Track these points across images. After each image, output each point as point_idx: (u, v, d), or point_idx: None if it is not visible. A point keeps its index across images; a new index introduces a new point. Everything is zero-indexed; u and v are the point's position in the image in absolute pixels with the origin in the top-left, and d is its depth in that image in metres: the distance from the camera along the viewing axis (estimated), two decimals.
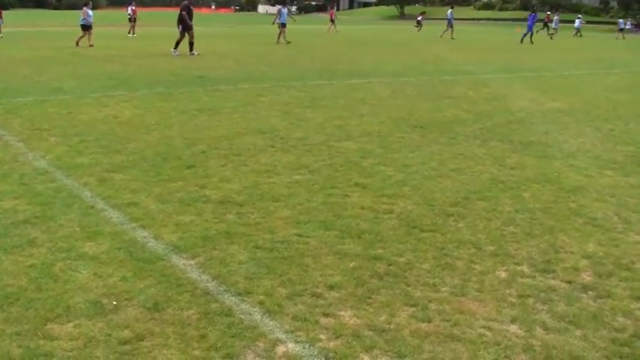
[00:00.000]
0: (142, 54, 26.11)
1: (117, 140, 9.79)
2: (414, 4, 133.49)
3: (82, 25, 29.86)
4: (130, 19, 40.47)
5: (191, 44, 26.10)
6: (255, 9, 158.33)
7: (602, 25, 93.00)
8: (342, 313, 4.59)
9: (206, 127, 10.95)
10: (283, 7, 37.96)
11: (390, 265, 5.41)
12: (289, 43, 34.84)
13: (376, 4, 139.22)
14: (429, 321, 4.52)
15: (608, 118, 13.41)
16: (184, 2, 26.54)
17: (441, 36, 46.20)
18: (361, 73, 20.48)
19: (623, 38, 56.58)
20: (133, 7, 40.82)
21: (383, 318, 4.54)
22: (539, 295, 4.99)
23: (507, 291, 5.03)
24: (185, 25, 26.01)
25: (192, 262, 5.35)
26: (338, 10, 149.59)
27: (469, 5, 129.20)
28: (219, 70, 20.29)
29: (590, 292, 5.07)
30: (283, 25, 36.60)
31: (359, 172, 8.32)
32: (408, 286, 5.04)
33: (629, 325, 4.58)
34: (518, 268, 5.48)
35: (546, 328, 4.48)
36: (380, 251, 5.69)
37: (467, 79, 19.97)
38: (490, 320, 4.56)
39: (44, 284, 4.85)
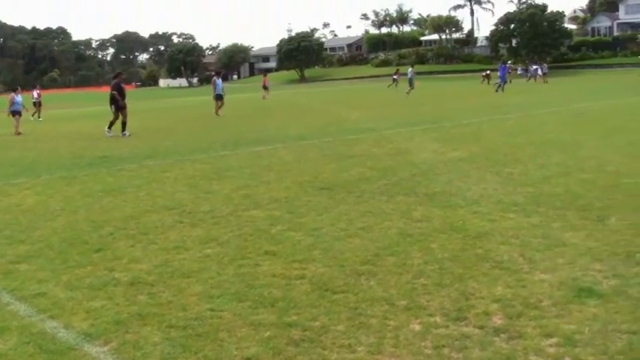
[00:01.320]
0: (44, 137, 25.84)
1: (20, 230, 9.57)
2: (313, 66, 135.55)
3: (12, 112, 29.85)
4: (34, 104, 39.94)
5: (124, 124, 25.11)
6: (156, 83, 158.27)
7: (495, 72, 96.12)
8: None
9: (112, 208, 10.82)
10: (218, 78, 35.45)
11: (305, 330, 5.42)
12: (218, 116, 33.44)
13: (276, 70, 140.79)
14: None
15: (506, 162, 13.82)
16: (114, 81, 26.11)
17: (407, 93, 46.46)
18: (265, 140, 20.62)
19: (510, 82, 58.39)
20: (38, 91, 40.57)
21: None
22: (453, 343, 5.06)
23: (422, 343, 5.09)
24: (117, 105, 25.19)
25: (105, 348, 5.24)
26: (239, 78, 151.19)
27: (367, 63, 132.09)
28: (123, 148, 20.12)
29: (502, 335, 5.18)
30: (219, 97, 34.46)
31: (268, 240, 8.34)
32: (325, 349, 5.05)
33: None
34: (432, 319, 5.56)
35: None
36: (294, 317, 5.69)
37: (369, 137, 20.31)
38: None
39: None
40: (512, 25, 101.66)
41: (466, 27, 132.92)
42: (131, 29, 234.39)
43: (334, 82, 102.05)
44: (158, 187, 12.73)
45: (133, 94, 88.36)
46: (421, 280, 6.54)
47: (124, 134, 24.65)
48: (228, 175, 13.73)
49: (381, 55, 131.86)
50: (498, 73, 50.44)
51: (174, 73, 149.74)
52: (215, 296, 6.34)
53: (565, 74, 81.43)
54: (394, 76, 62.32)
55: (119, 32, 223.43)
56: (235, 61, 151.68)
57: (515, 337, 5.12)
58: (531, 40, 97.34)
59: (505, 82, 48.11)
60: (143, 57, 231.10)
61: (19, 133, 28.31)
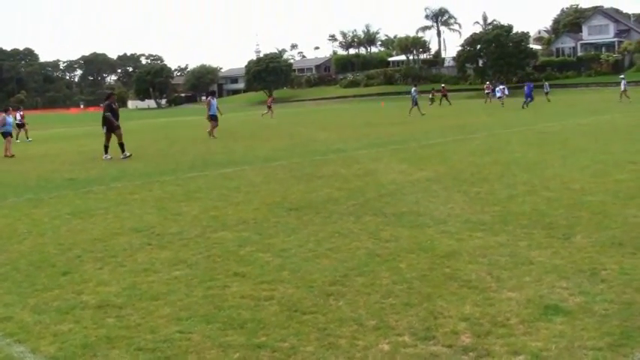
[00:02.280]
0: (11, 159, 25.51)
1: None
2: (282, 87, 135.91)
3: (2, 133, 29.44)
4: (18, 125, 39.41)
5: (121, 145, 24.20)
6: (124, 104, 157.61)
7: (462, 92, 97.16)
8: None
9: (80, 231, 10.75)
10: (212, 98, 34.47)
11: (274, 351, 5.42)
12: (213, 137, 32.36)
13: (245, 91, 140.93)
14: None
15: (474, 181, 13.94)
16: (106, 102, 25.34)
17: (409, 113, 46.53)
18: (234, 161, 20.61)
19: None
20: (22, 112, 40.38)
21: None
22: None
23: None
24: (110, 126, 24.31)
25: None
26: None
27: (335, 84, 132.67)
28: (91, 170, 20.02)
29: (470, 353, 5.21)
30: (213, 118, 33.22)
31: (237, 262, 8.32)
32: None
33: None
34: (400, 338, 5.58)
35: None
36: (263, 339, 5.69)
37: (338, 157, 20.40)
38: None
39: None
40: (478, 46, 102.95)
41: (433, 48, 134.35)
42: (99, 50, 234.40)
43: (303, 103, 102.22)
44: (126, 209, 12.67)
45: (100, 115, 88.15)
46: (390, 300, 6.57)
47: (125, 155, 23.81)
48: (196, 197, 13.70)
49: (350, 76, 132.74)
50: (525, 91, 55.00)
51: (142, 95, 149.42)
52: (184, 318, 6.32)
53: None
54: (430, 96, 62.67)
55: (87, 54, 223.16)
56: (204, 83, 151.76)
57: (483, 356, 5.16)
58: (497, 61, 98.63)
59: (531, 99, 51.11)
60: (111, 78, 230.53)
61: (12, 155, 27.56)
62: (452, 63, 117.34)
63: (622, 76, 59.55)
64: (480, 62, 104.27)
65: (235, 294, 7.01)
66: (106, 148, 24.26)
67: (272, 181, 15.57)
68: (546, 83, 62.56)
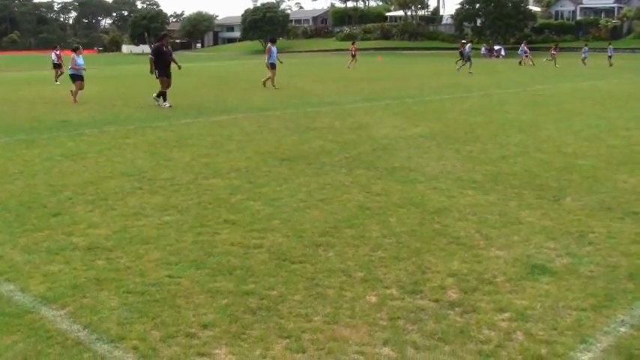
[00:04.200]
0: (4, 100, 25.34)
1: None
2: (278, 38, 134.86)
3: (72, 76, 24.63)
4: (56, 65, 36.42)
5: (162, 94, 21.83)
6: (119, 49, 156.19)
7: (458, 51, 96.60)
8: (217, 351, 4.61)
9: (71, 173, 10.74)
10: (272, 45, 30.87)
11: (262, 299, 5.46)
12: (274, 87, 29.79)
13: (241, 40, 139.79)
14: (304, 351, 4.60)
15: (466, 140, 13.95)
16: (155, 44, 23.09)
17: (470, 72, 43.73)
18: (227, 110, 20.54)
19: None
20: (58, 52, 36.79)
21: (258, 352, 4.58)
22: (408, 315, 5.15)
23: (378, 315, 5.17)
24: (159, 72, 21.71)
25: (62, 312, 5.24)
26: (202, 46, 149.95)
27: (332, 37, 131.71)
28: (84, 113, 19.91)
29: (456, 309, 5.28)
30: (272, 66, 30.12)
31: (228, 209, 8.35)
32: (281, 318, 5.11)
33: (494, 336, 4.80)
34: (388, 291, 5.64)
35: (417, 348, 4.64)
36: (252, 286, 5.74)
37: (332, 110, 20.35)
38: (363, 345, 4.68)
39: None
40: (477, 5, 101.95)
41: (432, 4, 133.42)
42: None
43: (299, 55, 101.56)
44: (118, 153, 12.65)
45: (95, 59, 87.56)
46: (379, 253, 6.62)
47: (161, 104, 21.58)
48: (189, 144, 13.68)
49: (346, 29, 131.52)
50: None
51: (137, 40, 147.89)
52: (173, 263, 6.36)
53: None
54: (552, 52, 60.02)
55: None
56: (199, 30, 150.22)
57: (469, 311, 5.22)
58: (495, 21, 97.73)
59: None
60: (106, 22, 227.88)
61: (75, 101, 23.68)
62: (449, 21, 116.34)
63: (610, 45, 59.42)
64: (479, 22, 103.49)
65: (225, 241, 7.05)
66: (163, 94, 21.79)
67: (265, 131, 15.54)
68: (585, 48, 60.30)
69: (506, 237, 7.18)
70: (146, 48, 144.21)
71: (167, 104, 21.42)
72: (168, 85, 21.89)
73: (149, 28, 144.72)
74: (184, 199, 8.89)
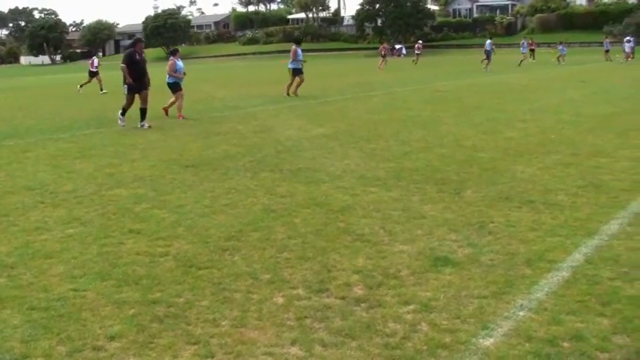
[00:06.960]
0: None
1: None
2: (181, 44, 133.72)
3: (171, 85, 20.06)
4: (93, 73, 35.14)
5: (142, 111, 18.09)
6: (17, 61, 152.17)
7: (360, 51, 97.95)
8: None
9: None
10: (298, 46, 27.48)
11: (169, 307, 5.42)
12: (296, 96, 26.13)
13: (144, 47, 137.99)
14: (212, 356, 4.59)
15: (370, 138, 14.13)
16: (127, 51, 18.75)
17: (484, 69, 44.32)
18: (130, 118, 20.15)
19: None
20: (98, 60, 35.43)
21: None
22: (315, 314, 5.20)
23: (285, 315, 5.20)
24: (128, 85, 17.98)
25: None
26: (104, 55, 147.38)
27: (235, 41, 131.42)
28: None
29: (362, 304, 5.35)
30: (297, 72, 26.65)
31: (132, 219, 8.25)
32: (189, 325, 5.08)
33: (399, 329, 4.89)
34: (294, 291, 5.67)
35: (324, 345, 4.68)
36: (158, 294, 5.69)
37: (235, 114, 20.31)
38: (271, 346, 4.70)
39: None
40: (377, 5, 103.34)
41: (333, 6, 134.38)
42: None
43: (202, 60, 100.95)
44: (19, 167, 12.31)
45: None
46: (284, 254, 6.65)
47: (142, 125, 17.86)
48: (91, 154, 13.43)
49: (249, 34, 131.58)
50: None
51: (36, 51, 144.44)
52: (78, 276, 6.24)
53: (428, 54, 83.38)
54: (560, 47, 58.71)
55: None
56: (100, 39, 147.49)
57: (374, 306, 5.30)
58: (396, 20, 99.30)
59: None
60: (2, 33, 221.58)
61: (183, 117, 19.58)
62: (351, 22, 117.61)
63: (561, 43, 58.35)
64: (379, 21, 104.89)
65: (130, 251, 6.96)
66: (124, 110, 18.27)
67: (169, 138, 15.39)
68: (560, 46, 59.61)
69: (409, 231, 7.31)
70: (46, 59, 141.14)
71: (122, 122, 18.19)
72: (144, 100, 18.11)
73: (48, 38, 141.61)
74: (88, 211, 8.73)
